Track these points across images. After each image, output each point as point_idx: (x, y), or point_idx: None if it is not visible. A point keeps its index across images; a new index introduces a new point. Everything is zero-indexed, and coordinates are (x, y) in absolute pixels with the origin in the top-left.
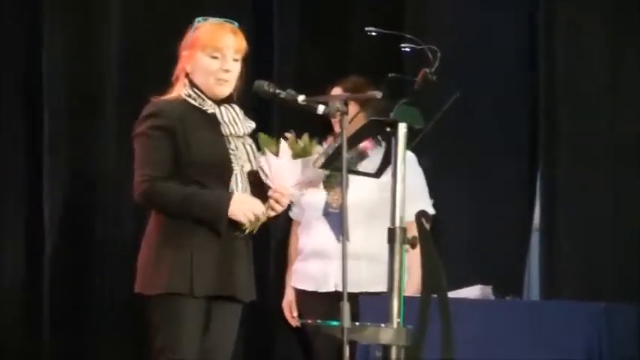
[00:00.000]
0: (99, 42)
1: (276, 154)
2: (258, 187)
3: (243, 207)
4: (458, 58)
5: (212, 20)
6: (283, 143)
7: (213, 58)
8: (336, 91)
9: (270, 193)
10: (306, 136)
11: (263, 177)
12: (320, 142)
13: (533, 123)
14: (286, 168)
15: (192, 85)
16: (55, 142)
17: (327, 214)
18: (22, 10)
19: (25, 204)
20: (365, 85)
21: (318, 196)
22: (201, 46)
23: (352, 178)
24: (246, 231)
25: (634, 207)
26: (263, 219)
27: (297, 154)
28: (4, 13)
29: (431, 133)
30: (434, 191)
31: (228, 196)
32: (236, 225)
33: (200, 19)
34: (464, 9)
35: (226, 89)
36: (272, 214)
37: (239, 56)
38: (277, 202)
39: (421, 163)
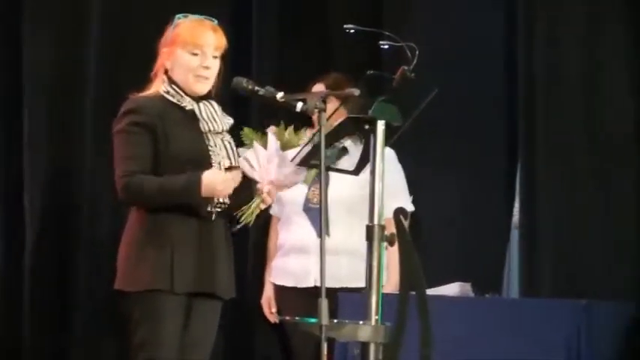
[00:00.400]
0: (78, 40)
1: (263, 146)
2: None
3: (214, 186)
4: (436, 57)
5: (192, 17)
6: (270, 135)
7: (193, 55)
8: (318, 87)
9: (258, 186)
10: (290, 128)
11: (249, 170)
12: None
13: (513, 121)
14: (276, 158)
15: (171, 81)
16: (34, 139)
17: (307, 209)
18: (2, 8)
19: (4, 202)
20: (346, 82)
21: (298, 192)
22: (181, 43)
23: (332, 173)
24: (242, 222)
25: (613, 204)
26: (256, 211)
27: (283, 145)
28: None
29: (411, 131)
30: (414, 189)
31: (197, 178)
32: (232, 219)
33: (180, 15)
34: (442, 11)
35: (205, 86)
36: (263, 206)
37: (219, 53)
38: (269, 193)
39: (401, 160)
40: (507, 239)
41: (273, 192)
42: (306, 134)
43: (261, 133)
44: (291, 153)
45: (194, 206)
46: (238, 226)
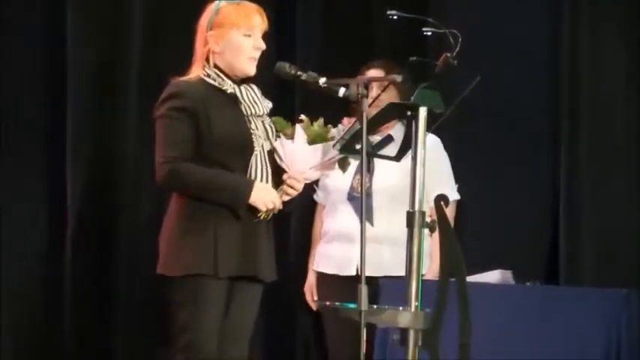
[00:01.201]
0: (121, 28)
1: (292, 137)
2: (279, 166)
3: (265, 195)
4: (481, 51)
5: (233, 1)
6: (298, 128)
7: (247, 37)
8: (372, 72)
9: (284, 177)
10: (320, 120)
11: (278, 160)
12: (335, 125)
13: (557, 110)
14: (301, 153)
15: (213, 65)
16: (77, 127)
17: (351, 198)
18: (46, 3)
19: (47, 192)
20: (397, 68)
21: (343, 180)
22: (234, 25)
23: (377, 163)
24: (261, 217)
25: None
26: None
27: (311, 139)
28: (26, 1)
29: (454, 119)
30: (456, 177)
31: (250, 182)
32: (252, 210)
33: (221, 0)
34: (487, 8)
35: (254, 67)
36: (285, 198)
37: (263, 34)
38: (291, 187)
39: (444, 148)
40: (550, 227)
41: (297, 185)
42: (343, 123)
43: (292, 123)
44: (315, 147)
45: (234, 206)
46: (256, 220)
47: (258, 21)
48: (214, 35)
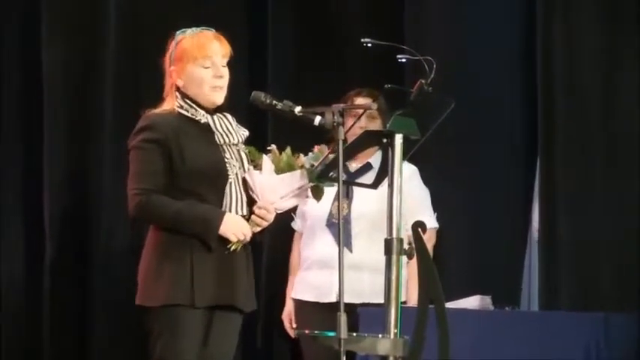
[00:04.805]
0: (97, 53)
1: (261, 167)
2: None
3: (234, 227)
4: (455, 64)
5: (192, 31)
6: (265, 158)
7: (205, 69)
8: (360, 100)
9: (254, 209)
10: (288, 150)
11: (250, 191)
12: (305, 153)
13: (532, 132)
14: (269, 183)
15: (184, 96)
16: (54, 153)
17: (330, 224)
18: (22, 10)
19: (24, 215)
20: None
21: (322, 207)
22: (190, 58)
23: (356, 189)
24: (231, 249)
25: (634, 215)
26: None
27: (279, 169)
28: (3, 20)
29: (429, 144)
30: (432, 202)
31: (220, 213)
32: (223, 241)
33: (179, 32)
34: (462, 20)
35: (221, 96)
36: (257, 229)
37: (226, 61)
38: (261, 217)
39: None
40: (524, 252)
41: (267, 216)
42: (313, 150)
43: (264, 153)
44: (284, 177)
45: (205, 237)
46: (226, 252)
47: (216, 48)
48: (176, 70)
